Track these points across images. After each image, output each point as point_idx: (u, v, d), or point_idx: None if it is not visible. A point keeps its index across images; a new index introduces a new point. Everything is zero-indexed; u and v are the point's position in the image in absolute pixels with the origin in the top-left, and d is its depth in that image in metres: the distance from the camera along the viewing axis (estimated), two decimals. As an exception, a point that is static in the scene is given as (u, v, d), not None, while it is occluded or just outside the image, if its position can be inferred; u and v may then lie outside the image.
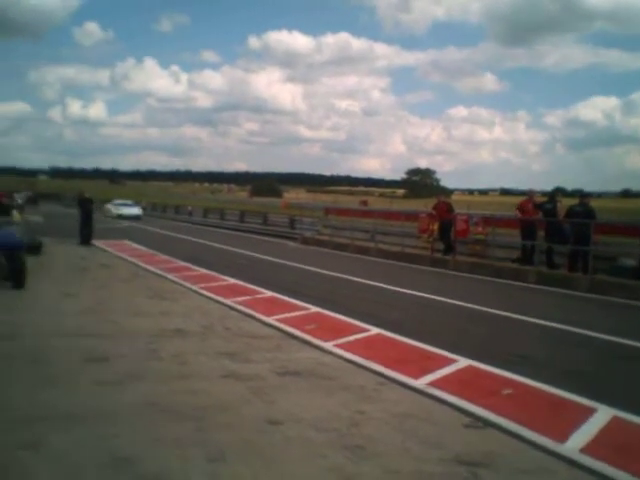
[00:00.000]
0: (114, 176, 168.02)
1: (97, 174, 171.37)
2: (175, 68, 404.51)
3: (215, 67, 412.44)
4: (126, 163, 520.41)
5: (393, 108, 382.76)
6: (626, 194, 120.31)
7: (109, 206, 41.68)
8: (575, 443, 4.40)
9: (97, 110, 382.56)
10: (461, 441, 4.39)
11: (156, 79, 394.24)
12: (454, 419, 4.89)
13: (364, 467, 3.83)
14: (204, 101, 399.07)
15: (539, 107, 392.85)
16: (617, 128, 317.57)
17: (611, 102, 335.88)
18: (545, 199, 15.87)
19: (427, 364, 6.50)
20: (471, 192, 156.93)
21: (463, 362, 6.59)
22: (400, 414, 4.89)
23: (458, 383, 5.84)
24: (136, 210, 41.37)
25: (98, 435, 4.14)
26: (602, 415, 5.02)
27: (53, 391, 5.07)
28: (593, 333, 8.57)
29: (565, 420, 4.91)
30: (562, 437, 4.47)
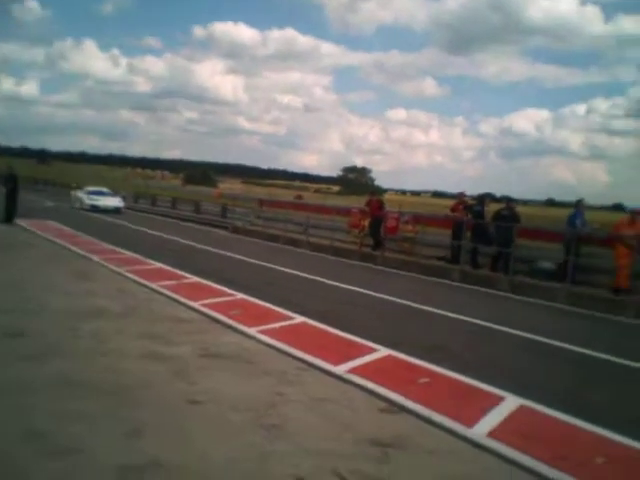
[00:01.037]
0: (43, 156, 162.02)
1: (25, 153, 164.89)
2: (115, 52, 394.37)
3: (157, 54, 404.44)
4: (57, 144, 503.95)
5: (334, 106, 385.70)
6: (550, 203, 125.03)
7: (80, 194, 32.41)
8: (482, 428, 4.60)
9: (30, 88, 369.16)
10: (376, 424, 4.53)
11: (95, 61, 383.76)
12: (370, 404, 5.03)
13: (279, 445, 3.91)
14: (144, 86, 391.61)
15: (476, 114, 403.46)
16: (546, 140, 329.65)
17: (543, 115, 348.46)
18: (474, 202, 16.34)
19: (348, 352, 6.63)
20: (404, 192, 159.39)
21: (383, 351, 6.76)
22: (318, 398, 5.00)
23: (377, 371, 5.99)
24: (115, 201, 32.08)
25: (12, 407, 4.06)
26: (510, 403, 5.26)
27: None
28: (509, 329, 8.92)
29: (475, 407, 5.13)
30: (471, 422, 4.67)
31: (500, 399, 5.35)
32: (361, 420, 4.57)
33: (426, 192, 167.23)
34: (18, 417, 3.92)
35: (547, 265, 13.49)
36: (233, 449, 3.77)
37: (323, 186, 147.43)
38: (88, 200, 30.94)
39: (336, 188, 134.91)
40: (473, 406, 5.17)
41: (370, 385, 5.47)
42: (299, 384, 5.33)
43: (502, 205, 15.22)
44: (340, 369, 5.90)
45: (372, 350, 6.79)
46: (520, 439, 4.44)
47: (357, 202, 23.97)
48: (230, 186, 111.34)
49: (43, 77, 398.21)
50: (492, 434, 4.51)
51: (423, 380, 5.83)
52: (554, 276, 13.00)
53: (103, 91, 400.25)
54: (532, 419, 5.02)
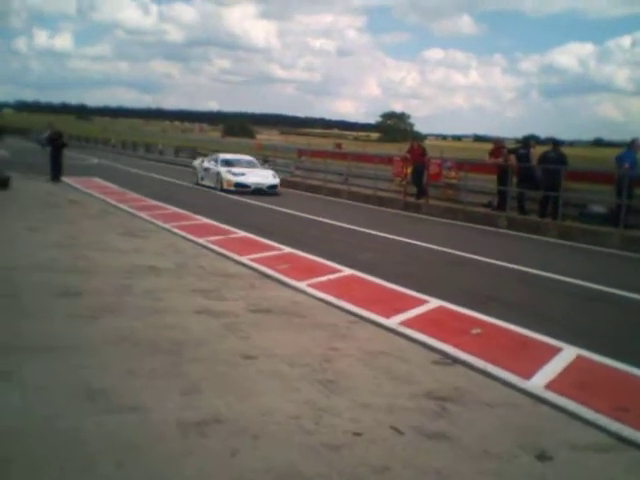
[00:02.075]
0: (82, 112, 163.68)
1: (64, 109, 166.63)
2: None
3: (187, 0, 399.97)
4: (94, 98, 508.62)
5: (369, 49, 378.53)
6: (598, 143, 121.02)
7: (210, 165, 21.89)
8: (540, 380, 4.54)
9: (63, 41, 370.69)
10: (430, 377, 4.50)
11: (125, 10, 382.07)
12: (424, 357, 5.00)
13: (336, 401, 3.91)
14: (175, 35, 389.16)
15: (515, 52, 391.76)
16: (591, 76, 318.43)
17: (586, 49, 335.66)
18: (519, 145, 15.91)
19: (399, 304, 6.59)
20: (444, 137, 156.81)
21: (434, 303, 6.70)
22: (371, 351, 4.99)
23: (429, 323, 5.95)
24: (268, 176, 20.97)
25: (72, 366, 4.15)
26: (567, 354, 5.17)
27: (26, 323, 5.05)
28: (561, 277, 8.75)
29: (531, 358, 5.06)
30: (528, 374, 4.61)
31: (557, 350, 5.26)
32: (416, 374, 4.54)
33: (467, 136, 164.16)
34: (78, 376, 4.00)
35: (598, 209, 13.14)
36: (291, 405, 3.79)
37: (362, 134, 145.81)
38: (230, 175, 20.14)
39: (375, 135, 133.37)
40: (529, 357, 5.10)
41: (422, 337, 5.43)
42: (351, 338, 5.32)
43: (548, 147, 14.80)
44: (392, 322, 5.87)
45: (423, 302, 6.74)
46: (579, 390, 4.37)
47: (397, 149, 23.63)
48: (268, 137, 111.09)
49: (75, 29, 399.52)
50: (550, 386, 4.44)
51: (476, 331, 5.77)
52: (606, 220, 12.66)
53: (135, 41, 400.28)
54: (590, 370, 4.93)
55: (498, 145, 16.05)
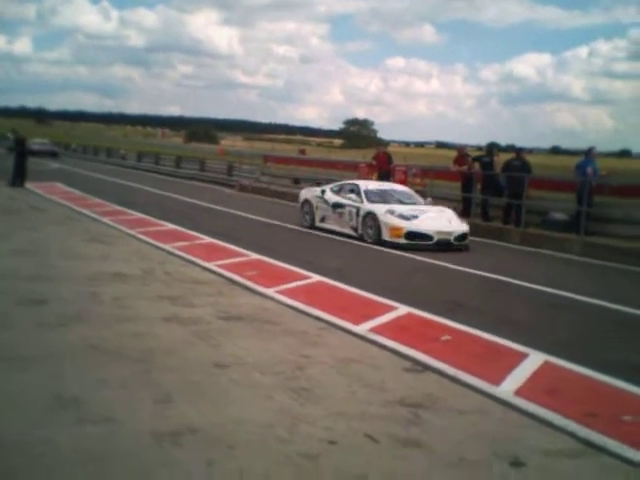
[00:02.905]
0: (41, 115, 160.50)
1: (23, 112, 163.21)
2: (105, 4, 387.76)
3: (149, 5, 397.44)
4: (53, 102, 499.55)
5: (332, 56, 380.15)
6: (556, 151, 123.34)
7: (349, 201, 13.25)
8: (509, 386, 4.59)
9: (23, 45, 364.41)
10: (403, 385, 4.53)
11: (85, 14, 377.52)
12: (395, 363, 5.03)
13: (310, 409, 3.91)
14: (137, 40, 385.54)
15: (476, 61, 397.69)
16: (549, 85, 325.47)
17: (544, 59, 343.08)
18: (482, 152, 16.15)
19: (368, 311, 6.62)
20: (407, 144, 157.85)
21: (403, 309, 6.74)
22: (343, 358, 5.00)
23: (398, 329, 5.98)
24: (453, 221, 12.51)
25: (42, 376, 4.07)
26: (534, 359, 5.24)
27: (-10, 333, 4.94)
28: (524, 283, 8.90)
29: (499, 364, 5.12)
30: (497, 380, 4.66)
31: (523, 356, 5.34)
32: (388, 381, 4.56)
33: (429, 143, 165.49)
34: (47, 385, 3.92)
35: (560, 216, 13.41)
36: (265, 414, 3.77)
37: (325, 140, 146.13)
38: (395, 219, 12.08)
39: (338, 142, 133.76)
40: (497, 363, 5.16)
41: (392, 344, 5.46)
42: (322, 345, 5.33)
43: (511, 155, 15.04)
44: (361, 328, 5.89)
45: (391, 308, 6.77)
46: (548, 396, 4.44)
47: (361, 155, 23.82)
48: (232, 142, 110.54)
49: (35, 34, 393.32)
50: (519, 392, 4.50)
51: (445, 338, 5.83)
52: (567, 227, 12.93)
53: (96, 46, 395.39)
54: (558, 376, 5.02)
55: (462, 153, 16.26)
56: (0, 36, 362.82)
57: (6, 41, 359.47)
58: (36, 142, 39.90)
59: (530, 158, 15.23)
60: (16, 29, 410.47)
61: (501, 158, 15.31)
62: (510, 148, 15.87)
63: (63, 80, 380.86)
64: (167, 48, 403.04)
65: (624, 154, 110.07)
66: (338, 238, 12.83)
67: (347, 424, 3.73)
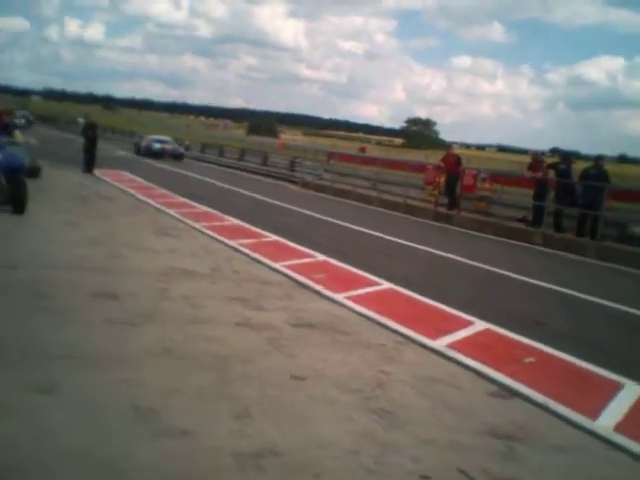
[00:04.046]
0: (108, 102, 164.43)
1: (91, 99, 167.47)
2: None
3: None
4: (121, 90, 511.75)
5: (397, 53, 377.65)
6: (623, 159, 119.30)
7: None
8: (608, 420, 4.24)
9: (95, 31, 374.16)
10: (490, 411, 4.22)
11: (156, 3, 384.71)
12: (478, 386, 4.73)
13: (395, 435, 3.65)
14: (205, 30, 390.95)
15: (544, 62, 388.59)
16: (620, 90, 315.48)
17: (616, 63, 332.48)
18: (558, 160, 15.47)
19: (443, 324, 6.34)
20: (467, 146, 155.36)
21: (480, 324, 6.41)
22: (423, 377, 4.72)
23: (477, 347, 5.67)
24: None
25: (117, 380, 3.92)
26: (631, 391, 4.86)
27: (64, 329, 4.83)
28: (598, 299, 8.44)
29: (594, 393, 4.77)
30: (593, 413, 4.32)
31: (618, 386, 4.96)
32: (474, 405, 4.27)
33: (490, 146, 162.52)
34: (124, 392, 3.77)
35: (640, 230, 12.73)
36: (349, 437, 3.53)
37: (385, 138, 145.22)
38: None
39: (399, 141, 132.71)
40: (591, 392, 4.82)
41: (473, 363, 5.16)
42: (400, 361, 5.05)
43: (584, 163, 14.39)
44: (439, 344, 5.60)
45: (468, 323, 6.45)
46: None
47: (422, 156, 23.39)
48: (292, 137, 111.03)
49: (107, 20, 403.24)
50: (619, 427, 4.15)
51: (529, 360, 5.48)
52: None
53: (165, 35, 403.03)
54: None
55: (537, 159, 15.65)
56: (73, 22, 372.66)
57: (79, 26, 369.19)
58: (155, 139, 32.96)
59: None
60: (89, 15, 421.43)
61: (578, 166, 14.66)
62: (575, 154, 15.10)
63: (131, 68, 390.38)
64: (233, 39, 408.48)
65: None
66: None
67: (437, 455, 3.46)
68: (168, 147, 32.12)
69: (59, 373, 3.92)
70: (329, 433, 3.57)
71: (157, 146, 30.52)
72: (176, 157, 31.48)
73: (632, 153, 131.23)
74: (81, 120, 23.54)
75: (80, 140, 19.94)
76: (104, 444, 3.13)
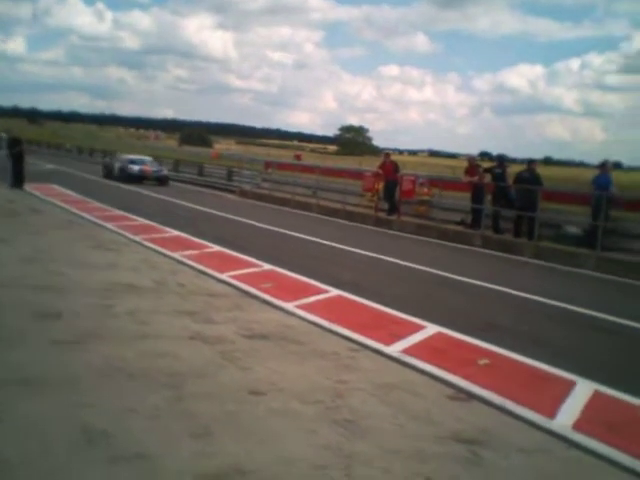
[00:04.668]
0: (34, 115, 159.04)
1: (15, 112, 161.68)
2: (100, 6, 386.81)
3: (144, 8, 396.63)
4: (46, 102, 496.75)
5: (326, 63, 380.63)
6: (548, 161, 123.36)
7: None
8: (565, 419, 4.29)
9: (17, 45, 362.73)
10: (451, 415, 4.20)
11: (79, 16, 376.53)
12: (436, 390, 4.71)
13: (361, 446, 3.57)
14: (131, 42, 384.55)
15: (469, 70, 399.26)
16: (540, 96, 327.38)
17: (536, 70, 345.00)
18: (494, 164, 15.80)
19: (395, 329, 6.31)
20: (400, 152, 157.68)
21: (431, 328, 6.42)
22: (382, 385, 4.67)
23: (431, 351, 5.67)
24: None
25: (66, 404, 3.70)
26: (582, 388, 4.94)
27: (6, 352, 4.56)
28: (538, 298, 8.64)
29: (548, 393, 4.82)
30: (550, 412, 4.36)
31: (571, 384, 5.04)
32: (434, 411, 4.24)
33: (422, 151, 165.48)
34: (71, 415, 3.56)
35: (574, 230, 13.11)
36: (314, 451, 3.43)
37: (319, 146, 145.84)
38: None
39: (332, 148, 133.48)
40: (545, 392, 4.87)
41: (429, 368, 5.15)
42: (357, 369, 4.99)
43: (523, 167, 14.76)
44: (394, 349, 5.58)
45: (420, 327, 6.45)
46: (605, 430, 4.13)
47: (356, 163, 23.56)
48: (226, 146, 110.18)
49: (29, 34, 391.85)
50: (577, 425, 4.19)
51: (483, 362, 5.51)
52: (581, 241, 12.63)
53: (90, 48, 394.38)
54: (612, 405, 4.72)
55: (473, 163, 15.96)
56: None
57: (0, 40, 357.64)
58: (131, 159, 26.96)
59: (521, 168, 14.91)
60: (10, 29, 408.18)
61: (512, 169, 15.02)
62: (498, 158, 15.45)
63: (56, 81, 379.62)
64: (161, 51, 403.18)
65: (615, 167, 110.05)
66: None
67: (404, 465, 3.40)
68: (148, 169, 26.36)
69: (3, 399, 3.68)
70: (294, 448, 3.47)
71: (135, 168, 25.59)
72: (160, 181, 26.12)
73: (556, 155, 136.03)
74: (4, 135, 22.57)
75: (3, 153, 19.20)
76: (56, 471, 2.94)
